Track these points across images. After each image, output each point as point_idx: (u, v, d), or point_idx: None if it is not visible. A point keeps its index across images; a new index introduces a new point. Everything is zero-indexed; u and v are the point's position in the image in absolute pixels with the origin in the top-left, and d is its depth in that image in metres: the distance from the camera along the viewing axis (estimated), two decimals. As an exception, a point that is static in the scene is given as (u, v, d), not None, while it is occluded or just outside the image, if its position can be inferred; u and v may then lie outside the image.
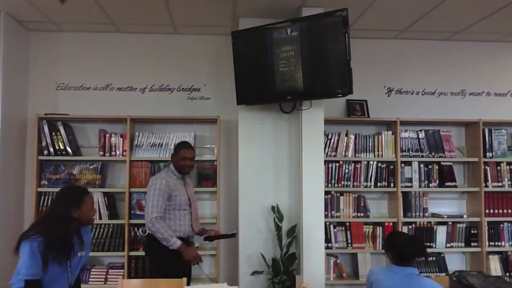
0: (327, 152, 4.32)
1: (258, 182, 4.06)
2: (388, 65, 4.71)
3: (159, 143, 4.31)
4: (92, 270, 4.20)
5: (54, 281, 2.48)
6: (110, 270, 4.20)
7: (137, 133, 4.35)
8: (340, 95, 3.76)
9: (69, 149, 4.21)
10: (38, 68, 4.48)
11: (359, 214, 4.34)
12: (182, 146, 3.56)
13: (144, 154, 4.27)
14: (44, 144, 4.20)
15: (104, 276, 4.17)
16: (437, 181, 4.42)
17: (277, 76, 3.79)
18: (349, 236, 4.32)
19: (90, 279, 4.16)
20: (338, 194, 4.34)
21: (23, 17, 4.18)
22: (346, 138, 4.37)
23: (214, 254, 4.22)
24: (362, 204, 4.35)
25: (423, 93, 4.73)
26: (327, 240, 4.22)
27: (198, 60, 4.56)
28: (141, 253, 4.12)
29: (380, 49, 4.70)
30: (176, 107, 4.48)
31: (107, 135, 4.28)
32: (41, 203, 4.17)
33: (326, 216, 4.08)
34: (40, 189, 4.19)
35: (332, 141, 4.36)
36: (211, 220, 4.26)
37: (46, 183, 4.21)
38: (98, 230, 4.19)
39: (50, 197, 4.17)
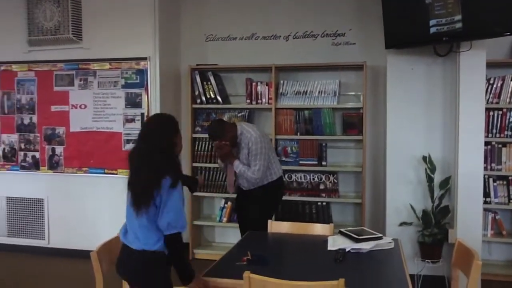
0: (488, 99, 3.88)
1: (407, 130, 3.84)
2: None
3: (304, 91, 4.30)
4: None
5: None
6: (257, 212, 4.43)
7: (281, 81, 4.39)
8: (508, 34, 3.31)
9: (219, 98, 4.43)
10: (188, 21, 4.74)
11: (524, 168, 3.90)
12: None
13: (289, 102, 4.31)
14: (196, 93, 4.48)
15: (252, 218, 4.42)
16: None
17: (432, 14, 3.45)
18: (511, 191, 3.91)
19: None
20: (500, 145, 3.92)
21: (175, -27, 4.42)
22: (511, 83, 3.87)
23: (360, 202, 4.18)
24: (529, 157, 3.89)
25: None
26: (485, 194, 3.85)
27: (342, 4, 4.38)
28: (286, 198, 4.24)
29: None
30: (320, 53, 4.39)
31: (253, 84, 4.40)
32: (196, 148, 4.52)
33: (485, 168, 3.73)
34: (194, 135, 4.53)
35: (495, 86, 3.90)
36: (356, 168, 4.21)
37: (199, 129, 4.53)
38: (246, 174, 4.41)
39: (202, 143, 4.48)
